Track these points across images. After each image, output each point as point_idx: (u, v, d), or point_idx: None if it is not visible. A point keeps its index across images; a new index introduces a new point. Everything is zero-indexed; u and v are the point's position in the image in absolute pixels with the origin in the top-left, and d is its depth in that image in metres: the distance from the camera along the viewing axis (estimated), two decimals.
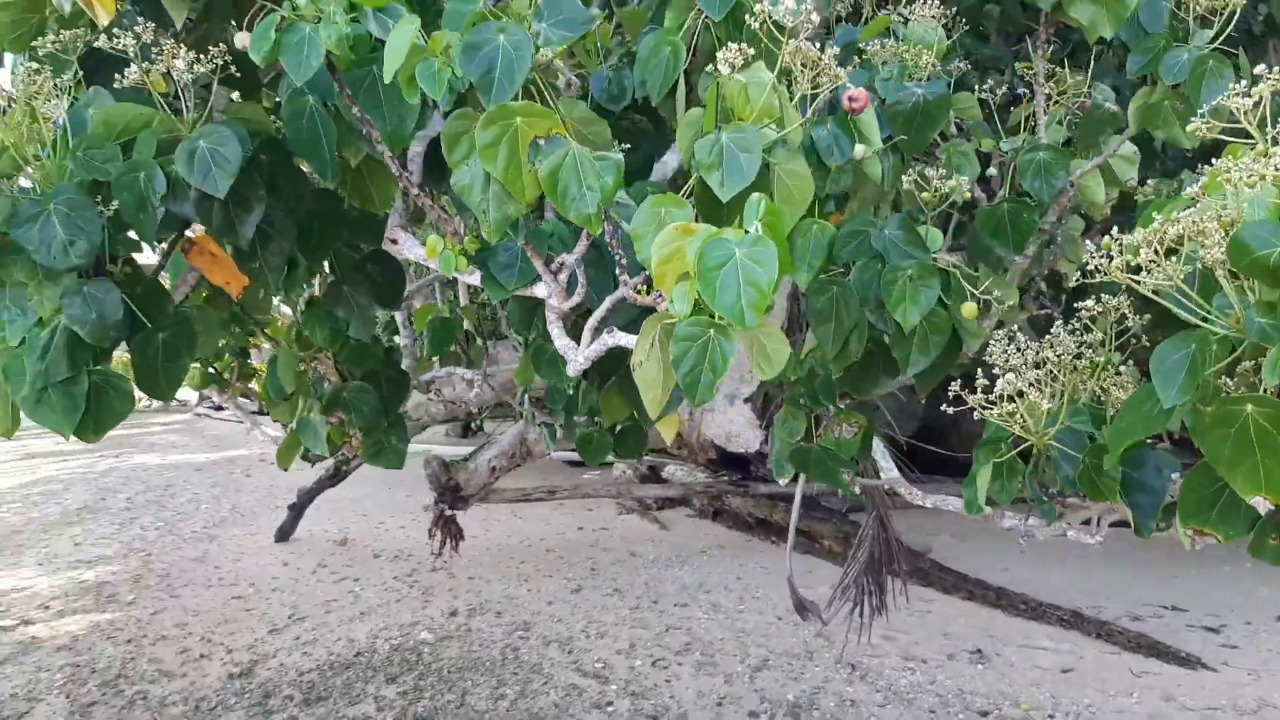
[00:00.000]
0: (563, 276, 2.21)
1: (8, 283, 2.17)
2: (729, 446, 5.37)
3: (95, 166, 2.21)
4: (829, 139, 2.44)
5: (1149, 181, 3.05)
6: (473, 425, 11.15)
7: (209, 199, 2.24)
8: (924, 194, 2.36)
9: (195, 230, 2.57)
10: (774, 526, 7.13)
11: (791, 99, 2.00)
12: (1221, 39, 2.42)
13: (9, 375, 2.15)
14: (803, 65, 1.96)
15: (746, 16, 1.96)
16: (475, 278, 2.34)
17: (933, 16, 2.70)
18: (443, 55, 1.93)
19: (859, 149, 2.47)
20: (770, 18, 1.88)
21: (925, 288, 2.32)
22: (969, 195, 2.77)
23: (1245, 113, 1.58)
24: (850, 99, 1.96)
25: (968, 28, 4.71)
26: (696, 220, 1.87)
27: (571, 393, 3.26)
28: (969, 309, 2.33)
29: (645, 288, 1.91)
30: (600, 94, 2.74)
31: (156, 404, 16.81)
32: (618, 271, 1.98)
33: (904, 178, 2.40)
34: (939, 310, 2.36)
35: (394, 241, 2.58)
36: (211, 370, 5.16)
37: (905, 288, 2.32)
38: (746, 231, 1.62)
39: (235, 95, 2.79)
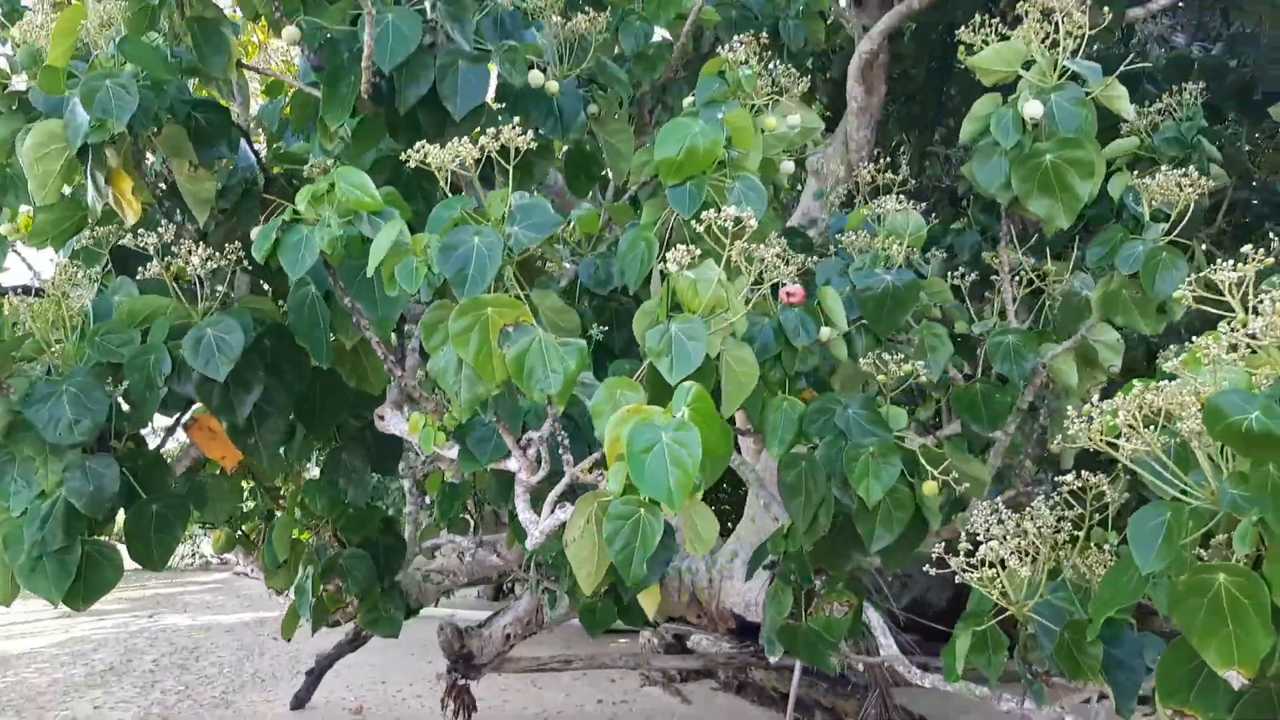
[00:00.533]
0: (531, 452, 2.31)
1: (18, 457, 2.33)
2: (749, 616, 5.29)
3: (111, 350, 2.41)
4: (796, 321, 2.59)
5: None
6: (504, 588, 11.05)
7: (210, 380, 2.41)
8: (880, 375, 2.46)
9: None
10: (801, 702, 6.90)
11: (740, 291, 2.13)
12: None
13: (9, 544, 2.28)
14: (748, 261, 2.11)
15: (704, 216, 2.13)
16: (453, 452, 2.45)
17: (909, 209, 2.88)
18: (422, 254, 2.12)
19: (825, 331, 2.60)
20: (716, 222, 2.05)
21: (887, 465, 2.38)
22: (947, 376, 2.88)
23: (1230, 286, 1.64)
24: (788, 294, 2.09)
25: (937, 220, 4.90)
26: (649, 403, 1.98)
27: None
28: (929, 488, 2.38)
29: (590, 466, 2.01)
30: (589, 279, 2.94)
31: (198, 561, 16.95)
32: (561, 452, 2.09)
33: (862, 360, 2.51)
34: (902, 487, 2.41)
35: (381, 418, 2.73)
36: (240, 533, 5.29)
37: (867, 464, 2.39)
38: (675, 416, 1.72)
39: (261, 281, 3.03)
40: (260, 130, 3.68)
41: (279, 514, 3.47)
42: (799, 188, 5.45)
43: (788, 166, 3.00)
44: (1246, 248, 1.53)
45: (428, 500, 5.03)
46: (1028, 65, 2.54)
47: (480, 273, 2.08)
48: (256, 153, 2.87)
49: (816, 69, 5.80)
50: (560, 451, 2.12)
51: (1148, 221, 2.58)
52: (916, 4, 4.66)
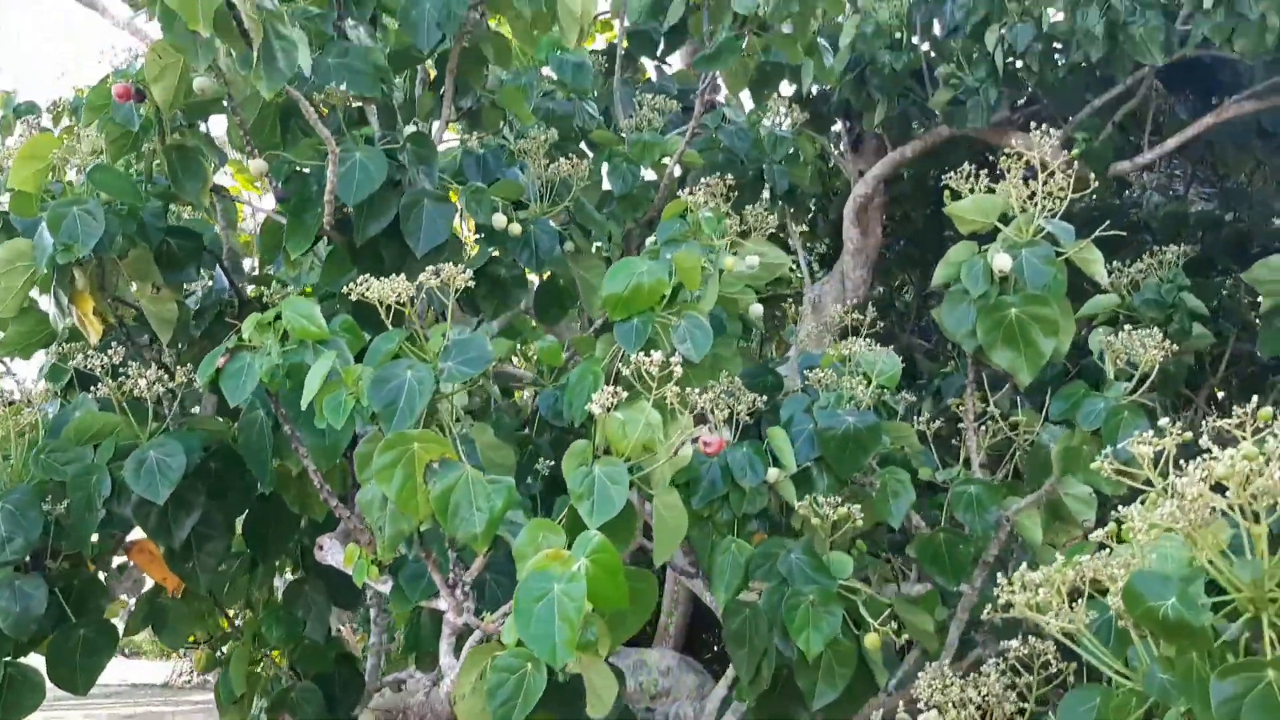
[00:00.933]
0: (460, 591, 2.26)
1: None
2: None
3: (55, 468, 2.42)
4: (743, 461, 2.55)
5: None
6: None
7: (149, 503, 2.41)
8: (815, 519, 2.40)
9: None
10: None
11: (668, 437, 2.11)
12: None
13: None
14: (682, 404, 2.10)
15: (634, 358, 2.13)
16: (387, 586, 2.41)
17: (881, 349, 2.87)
18: (355, 386, 2.13)
19: (772, 472, 2.55)
20: (643, 366, 2.04)
21: (828, 615, 2.30)
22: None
23: (1147, 460, 1.59)
24: (704, 443, 2.07)
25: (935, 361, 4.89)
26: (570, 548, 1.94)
27: None
28: (872, 640, 2.29)
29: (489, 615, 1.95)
30: (547, 411, 2.94)
31: (196, 680, 16.57)
32: (459, 598, 2.05)
33: (799, 505, 2.46)
34: (845, 640, 2.32)
35: (320, 547, 2.70)
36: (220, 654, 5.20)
37: (807, 613, 2.30)
38: (572, 566, 1.68)
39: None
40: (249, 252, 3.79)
41: (235, 644, 3.40)
42: (793, 325, 5.48)
43: (755, 309, 3.02)
44: (1164, 420, 1.49)
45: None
46: (1005, 218, 2.56)
47: (409, 407, 2.08)
48: (230, 276, 2.95)
49: (818, 210, 5.91)
50: (460, 599, 2.07)
51: (1111, 379, 2.55)
52: (910, 153, 4.79)
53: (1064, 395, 2.66)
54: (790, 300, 5.70)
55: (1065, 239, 2.42)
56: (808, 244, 5.96)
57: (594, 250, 3.58)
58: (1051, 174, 2.38)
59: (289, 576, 3.62)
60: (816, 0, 3.31)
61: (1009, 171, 2.40)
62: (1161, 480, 1.59)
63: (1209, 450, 1.31)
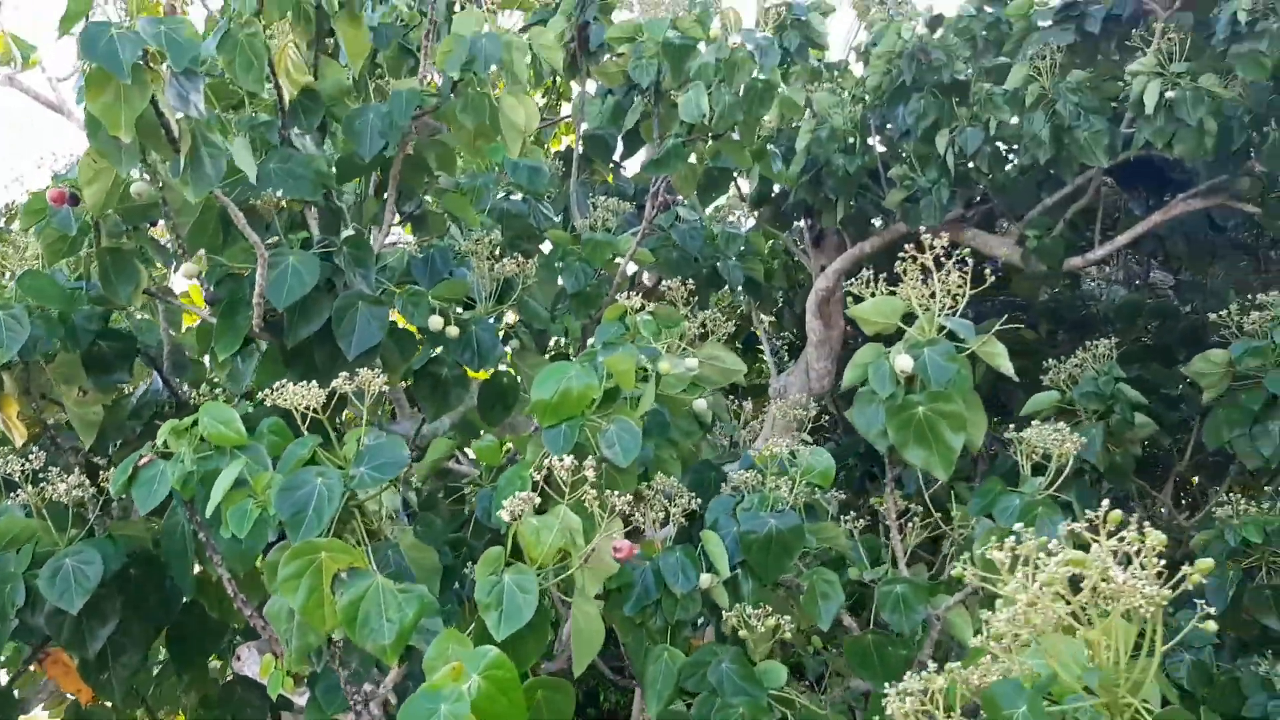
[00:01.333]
0: (374, 705, 2.19)
1: None
2: None
3: None
4: (676, 566, 2.50)
5: None
6: None
7: (63, 612, 2.35)
8: (743, 631, 2.34)
9: None
10: None
11: (589, 542, 2.07)
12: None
13: None
14: (602, 508, 2.07)
15: (549, 462, 2.10)
16: (304, 699, 2.34)
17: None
18: (263, 494, 2.10)
19: (705, 578, 2.50)
20: (556, 470, 2.02)
21: None
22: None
23: (1004, 566, 1.56)
24: (615, 549, 2.03)
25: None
26: None
27: None
28: None
29: None
30: (481, 514, 2.90)
31: None
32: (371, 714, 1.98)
33: (727, 614, 2.40)
34: None
35: (239, 657, 2.62)
36: None
37: None
38: (463, 684, 1.62)
39: None
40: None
41: None
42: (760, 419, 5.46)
43: (700, 404, 3.01)
44: (1018, 525, 1.46)
45: None
46: (910, 319, 2.57)
47: (318, 515, 2.05)
48: (166, 377, 2.94)
49: (785, 302, 5.95)
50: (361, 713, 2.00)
51: (1026, 474, 2.53)
52: (869, 248, 4.84)
53: (981, 492, 2.63)
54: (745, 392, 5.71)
55: (966, 335, 2.43)
56: (774, 334, 6.00)
57: (554, 344, 3.60)
58: (949, 273, 2.39)
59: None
60: (761, 110, 3.38)
61: (904, 274, 2.42)
62: (1019, 584, 1.56)
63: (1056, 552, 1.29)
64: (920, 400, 2.40)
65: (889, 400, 2.42)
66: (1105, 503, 1.33)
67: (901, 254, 2.43)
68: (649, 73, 3.51)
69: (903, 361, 2.40)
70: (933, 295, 2.49)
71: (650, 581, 2.50)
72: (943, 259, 2.38)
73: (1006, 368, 2.52)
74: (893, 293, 2.64)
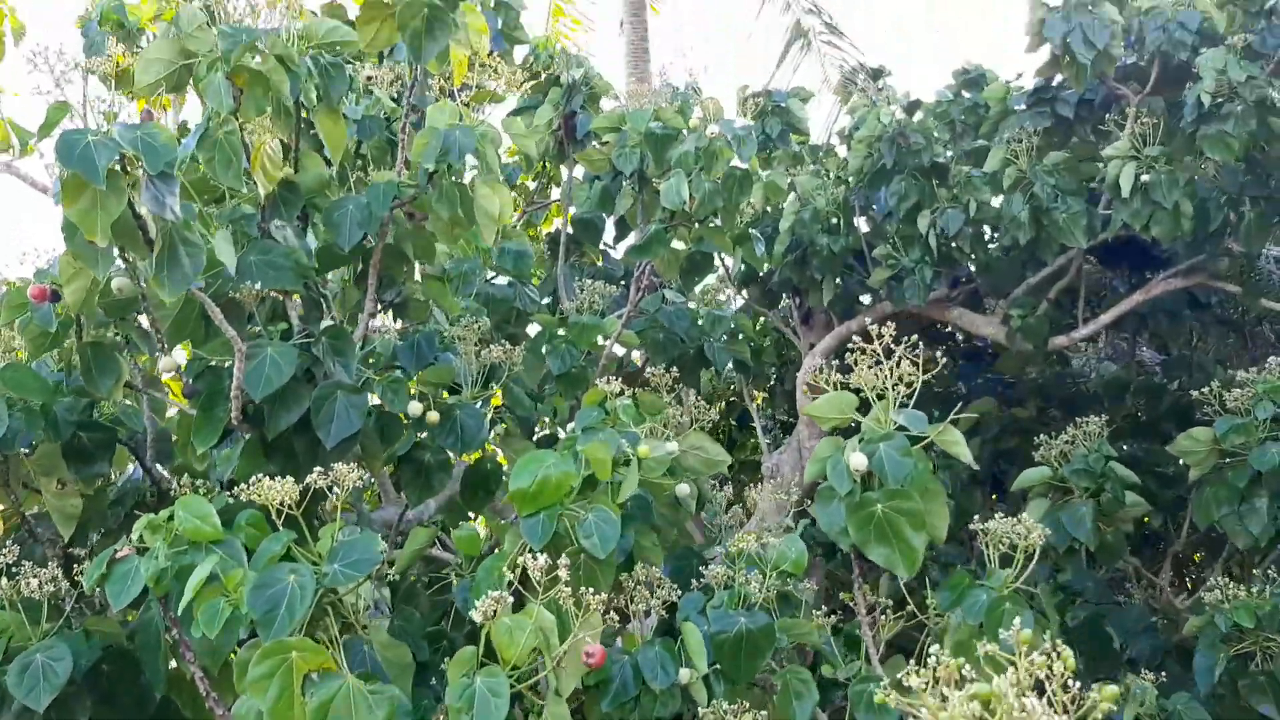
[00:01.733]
0: None
1: None
2: None
3: None
4: (654, 662, 2.46)
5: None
6: None
7: (30, 710, 2.31)
8: None
9: None
10: None
11: (564, 640, 2.04)
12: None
13: None
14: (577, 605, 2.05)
15: (521, 560, 2.09)
16: None
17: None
18: (236, 591, 2.08)
19: (684, 673, 2.46)
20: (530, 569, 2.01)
21: None
22: None
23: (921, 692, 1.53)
24: (588, 654, 2.01)
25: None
26: None
27: None
28: None
29: None
30: (462, 605, 2.86)
31: None
32: None
33: (703, 713, 2.36)
34: None
35: None
36: None
37: None
38: None
39: None
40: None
41: None
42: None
43: (682, 489, 3.01)
44: (935, 647, 1.42)
45: None
46: (866, 409, 2.55)
47: (289, 613, 2.03)
48: (147, 467, 2.93)
49: (777, 380, 5.96)
50: None
51: (994, 566, 2.50)
52: (855, 327, 4.87)
53: (950, 586, 2.58)
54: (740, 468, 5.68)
55: (918, 427, 2.42)
56: (767, 411, 6.00)
57: (544, 423, 3.61)
58: (899, 361, 2.39)
59: None
60: (740, 196, 3.44)
61: (856, 364, 2.43)
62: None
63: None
64: (878, 498, 2.38)
65: (848, 498, 2.40)
66: (1016, 621, 1.31)
67: (849, 346, 2.43)
68: (632, 161, 3.58)
69: (856, 460, 2.38)
70: (887, 385, 2.46)
71: (629, 677, 2.46)
72: (893, 347, 2.38)
73: (966, 456, 2.50)
74: (844, 385, 2.63)
